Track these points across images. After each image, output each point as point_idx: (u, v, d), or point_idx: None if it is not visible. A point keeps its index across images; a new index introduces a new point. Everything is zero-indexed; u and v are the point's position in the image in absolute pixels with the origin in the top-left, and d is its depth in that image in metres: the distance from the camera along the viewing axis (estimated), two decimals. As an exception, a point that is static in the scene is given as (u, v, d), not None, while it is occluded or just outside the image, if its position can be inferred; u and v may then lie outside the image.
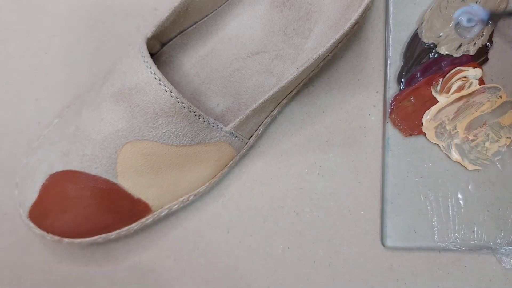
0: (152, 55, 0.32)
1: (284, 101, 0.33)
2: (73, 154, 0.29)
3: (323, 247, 0.33)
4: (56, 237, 0.29)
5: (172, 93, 0.26)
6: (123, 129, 0.27)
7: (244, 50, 0.32)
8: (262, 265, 0.33)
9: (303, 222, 0.34)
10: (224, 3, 0.32)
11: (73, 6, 0.35)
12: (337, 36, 0.28)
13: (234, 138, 0.30)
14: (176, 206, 0.32)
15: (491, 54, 0.33)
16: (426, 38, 0.33)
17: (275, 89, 0.29)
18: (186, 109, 0.27)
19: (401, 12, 0.34)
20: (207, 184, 0.32)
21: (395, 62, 0.34)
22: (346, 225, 0.34)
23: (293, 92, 0.33)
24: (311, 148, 0.34)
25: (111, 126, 0.28)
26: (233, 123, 0.29)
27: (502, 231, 0.32)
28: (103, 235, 0.30)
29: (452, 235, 0.33)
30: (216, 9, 0.32)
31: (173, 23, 0.30)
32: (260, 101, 0.29)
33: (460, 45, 0.33)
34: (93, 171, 0.28)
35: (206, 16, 0.32)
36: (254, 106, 0.29)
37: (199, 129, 0.28)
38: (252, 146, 0.34)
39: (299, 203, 0.34)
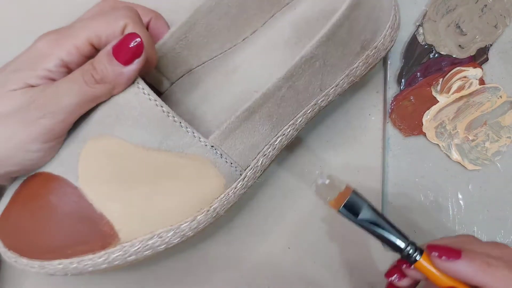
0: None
1: (285, 128, 0.29)
2: None
3: (323, 247, 0.33)
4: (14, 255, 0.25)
5: (139, 84, 0.25)
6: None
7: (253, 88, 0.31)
8: (262, 265, 0.33)
9: (303, 222, 0.34)
10: (235, 45, 0.32)
11: (73, 6, 0.35)
12: (325, 30, 0.25)
13: (217, 156, 0.26)
14: (151, 242, 0.26)
15: (491, 54, 0.34)
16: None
17: (257, 95, 0.26)
18: (152, 102, 0.24)
19: (401, 12, 0.34)
20: (191, 218, 0.26)
21: (395, 62, 0.34)
22: (346, 225, 0.34)
23: (290, 122, 0.29)
24: (311, 148, 0.34)
25: None
26: (214, 134, 0.26)
27: (502, 231, 0.32)
28: (64, 261, 0.25)
29: (452, 235, 0.32)
30: (225, 50, 0.32)
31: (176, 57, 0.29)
32: (243, 107, 0.26)
33: (460, 45, 0.33)
34: (56, 170, 0.25)
35: (215, 56, 0.31)
36: (237, 113, 0.26)
37: (168, 130, 0.25)
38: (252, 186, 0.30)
39: (299, 203, 0.34)
